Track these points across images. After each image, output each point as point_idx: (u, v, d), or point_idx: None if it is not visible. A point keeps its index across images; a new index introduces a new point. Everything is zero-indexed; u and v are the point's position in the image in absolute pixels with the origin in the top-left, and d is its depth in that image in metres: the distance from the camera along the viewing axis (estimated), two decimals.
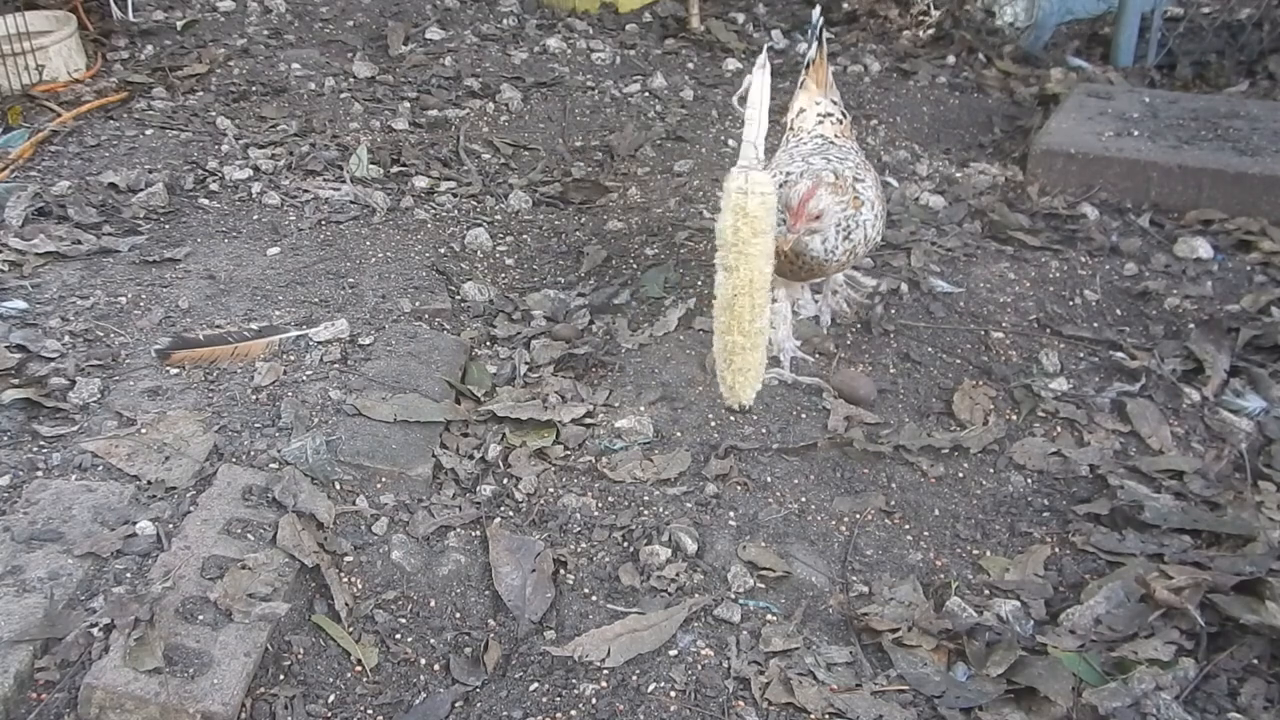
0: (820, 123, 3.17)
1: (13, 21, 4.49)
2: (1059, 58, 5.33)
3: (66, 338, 3.04)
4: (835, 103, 3.25)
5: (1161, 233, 3.83)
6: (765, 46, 3.06)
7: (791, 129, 3.24)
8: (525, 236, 3.79)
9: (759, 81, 2.69)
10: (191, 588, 2.23)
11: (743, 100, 2.75)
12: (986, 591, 2.43)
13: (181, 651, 2.09)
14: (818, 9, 3.34)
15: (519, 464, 2.73)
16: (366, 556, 2.44)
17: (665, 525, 2.55)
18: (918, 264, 3.57)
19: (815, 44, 3.24)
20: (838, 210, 2.78)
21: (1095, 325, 3.34)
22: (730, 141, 4.47)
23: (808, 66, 3.27)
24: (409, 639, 2.30)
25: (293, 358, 3.01)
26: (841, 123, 3.20)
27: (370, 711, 2.15)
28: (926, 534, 2.60)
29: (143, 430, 2.68)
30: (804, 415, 2.93)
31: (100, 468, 2.58)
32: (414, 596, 2.38)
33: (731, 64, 5.19)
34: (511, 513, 2.61)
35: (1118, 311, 3.41)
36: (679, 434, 2.85)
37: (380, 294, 3.34)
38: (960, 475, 2.77)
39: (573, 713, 2.13)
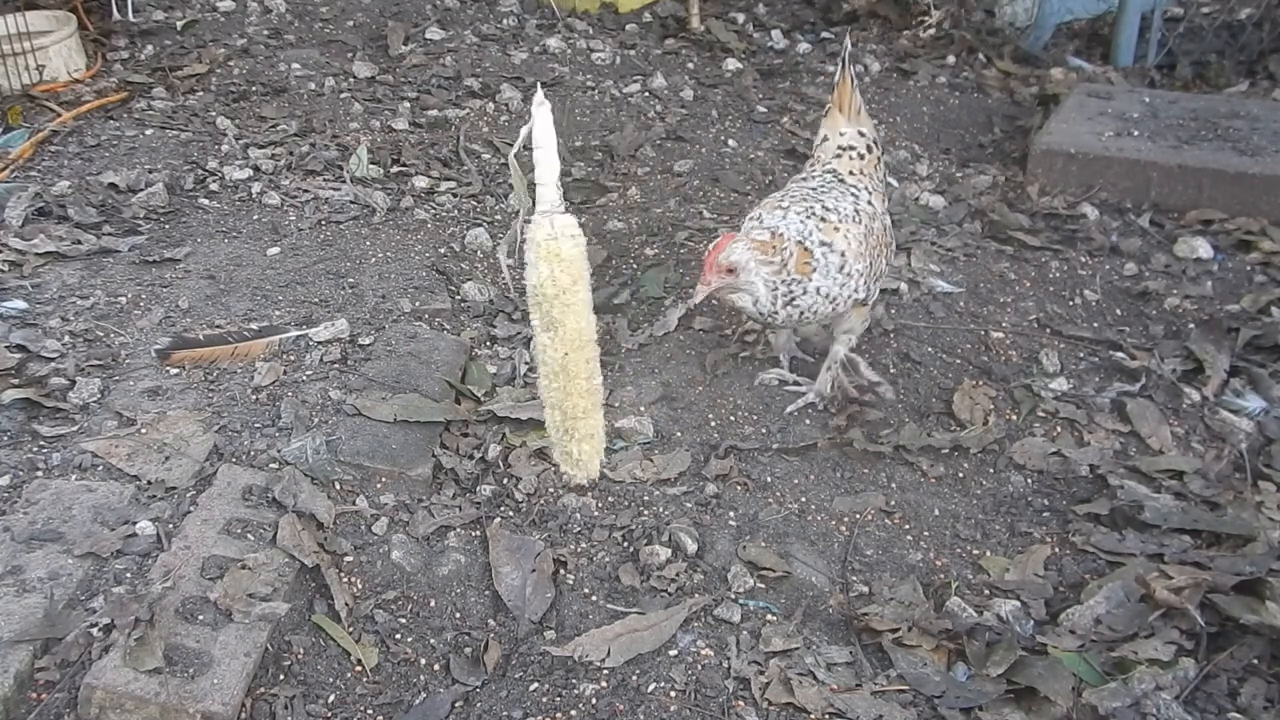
0: (838, 156, 2.96)
1: (13, 21, 4.49)
2: (1059, 58, 5.34)
3: (66, 338, 3.04)
4: (863, 134, 3.00)
5: (1161, 233, 3.83)
6: (537, 84, 2.69)
7: (813, 157, 3.06)
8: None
9: (541, 120, 2.41)
10: (191, 588, 2.23)
11: (525, 148, 2.47)
12: (986, 591, 2.43)
13: (181, 651, 2.09)
14: (848, 37, 3.16)
15: (519, 464, 2.73)
16: (366, 556, 2.44)
17: (665, 525, 2.55)
18: (918, 264, 3.57)
19: (841, 68, 3.00)
20: (763, 270, 2.60)
21: (1095, 325, 3.34)
22: (730, 142, 4.47)
23: (835, 89, 3.06)
24: (409, 639, 2.30)
25: (293, 358, 3.01)
26: (864, 157, 2.96)
27: (370, 711, 2.15)
28: (926, 534, 2.60)
29: (143, 430, 2.68)
30: (804, 415, 2.93)
31: (100, 468, 2.58)
32: (414, 596, 2.38)
33: (731, 64, 5.19)
34: (511, 513, 2.61)
35: (1118, 311, 3.41)
36: (679, 434, 2.85)
37: (380, 294, 3.34)
38: (960, 475, 2.77)
39: (573, 713, 2.13)
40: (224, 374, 2.93)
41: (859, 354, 3.05)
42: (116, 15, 5.24)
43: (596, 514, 2.61)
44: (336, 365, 2.98)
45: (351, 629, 2.28)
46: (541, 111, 2.42)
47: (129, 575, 2.29)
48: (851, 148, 2.97)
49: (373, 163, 4.13)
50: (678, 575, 2.42)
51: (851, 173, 2.92)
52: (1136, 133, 4.18)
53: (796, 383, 3.00)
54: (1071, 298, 3.47)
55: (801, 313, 2.70)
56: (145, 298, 3.27)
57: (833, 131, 3.00)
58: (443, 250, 3.65)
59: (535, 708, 2.15)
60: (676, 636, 2.28)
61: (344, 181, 4.00)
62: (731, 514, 2.61)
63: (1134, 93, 4.65)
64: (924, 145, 4.51)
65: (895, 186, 4.11)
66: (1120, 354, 3.17)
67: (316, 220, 3.76)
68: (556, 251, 2.44)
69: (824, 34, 5.64)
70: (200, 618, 2.17)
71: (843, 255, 2.69)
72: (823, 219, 2.71)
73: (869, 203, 2.84)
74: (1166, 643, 2.23)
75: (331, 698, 2.16)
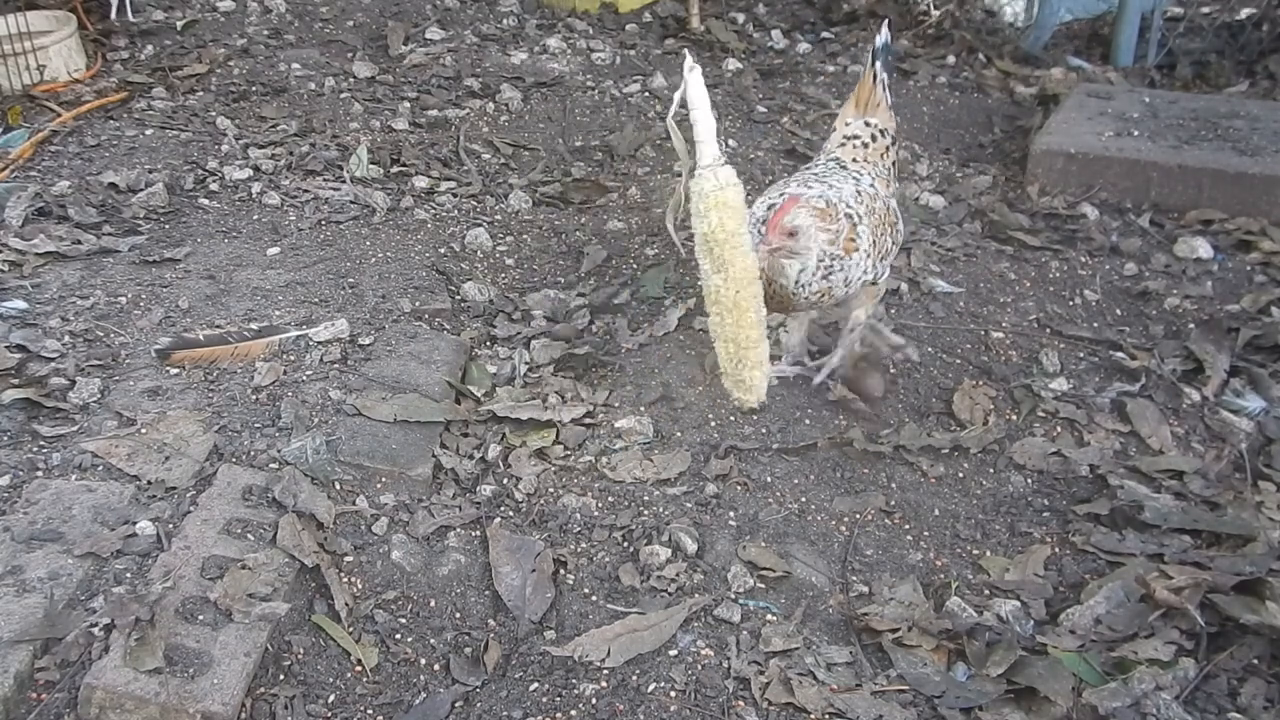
0: (842, 145, 3.04)
1: (13, 21, 4.49)
2: (1059, 58, 5.34)
3: (66, 338, 3.03)
4: (870, 124, 3.05)
5: (1161, 233, 3.83)
6: (686, 51, 2.87)
7: (822, 148, 3.15)
8: (525, 236, 3.79)
9: (694, 83, 2.64)
10: (191, 588, 2.23)
11: (678, 118, 2.68)
12: (986, 591, 2.43)
13: (181, 651, 2.09)
14: (885, 30, 3.15)
15: (519, 464, 2.73)
16: (366, 556, 2.44)
17: (665, 525, 2.55)
18: (918, 264, 3.57)
19: (869, 61, 3.07)
20: (821, 237, 2.66)
21: (1095, 325, 3.34)
22: (730, 142, 4.47)
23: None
24: (409, 639, 2.30)
25: (293, 358, 3.01)
26: (868, 146, 3.02)
27: (370, 711, 2.15)
28: (926, 534, 2.60)
29: (143, 430, 2.68)
30: (804, 416, 2.93)
31: (100, 468, 2.58)
32: (414, 596, 2.38)
33: (731, 64, 5.19)
34: (511, 513, 2.61)
35: (1118, 311, 3.41)
36: (679, 434, 2.85)
37: (380, 294, 3.34)
38: (960, 475, 2.77)
39: (573, 713, 2.13)
40: (224, 374, 2.93)
41: (880, 321, 3.14)
42: (115, 16, 5.24)
43: (596, 514, 2.61)
44: (336, 365, 2.98)
45: (351, 629, 2.28)
46: (694, 75, 2.64)
47: (129, 575, 2.29)
48: (856, 136, 3.03)
49: (373, 163, 4.13)
50: (678, 575, 2.42)
51: (855, 160, 2.98)
52: (1136, 133, 4.18)
53: (811, 358, 3.04)
54: (1071, 298, 3.47)
55: (831, 289, 2.73)
56: (145, 298, 3.27)
57: (840, 123, 3.10)
58: (443, 250, 3.65)
59: (535, 708, 2.15)
60: (676, 636, 2.28)
61: (344, 181, 4.00)
62: (731, 514, 2.61)
63: (1134, 93, 4.65)
64: (924, 145, 4.50)
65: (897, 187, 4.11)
66: (1120, 354, 3.17)
67: (316, 220, 3.76)
68: (724, 200, 2.64)
69: (824, 34, 5.64)
70: (200, 618, 2.17)
71: (867, 231, 2.77)
72: (832, 200, 2.76)
73: (871, 185, 2.89)
74: (1166, 643, 2.23)
75: (331, 698, 2.16)
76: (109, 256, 3.47)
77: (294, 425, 2.73)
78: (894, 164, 3.10)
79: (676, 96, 2.68)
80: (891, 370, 3.09)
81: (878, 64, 3.07)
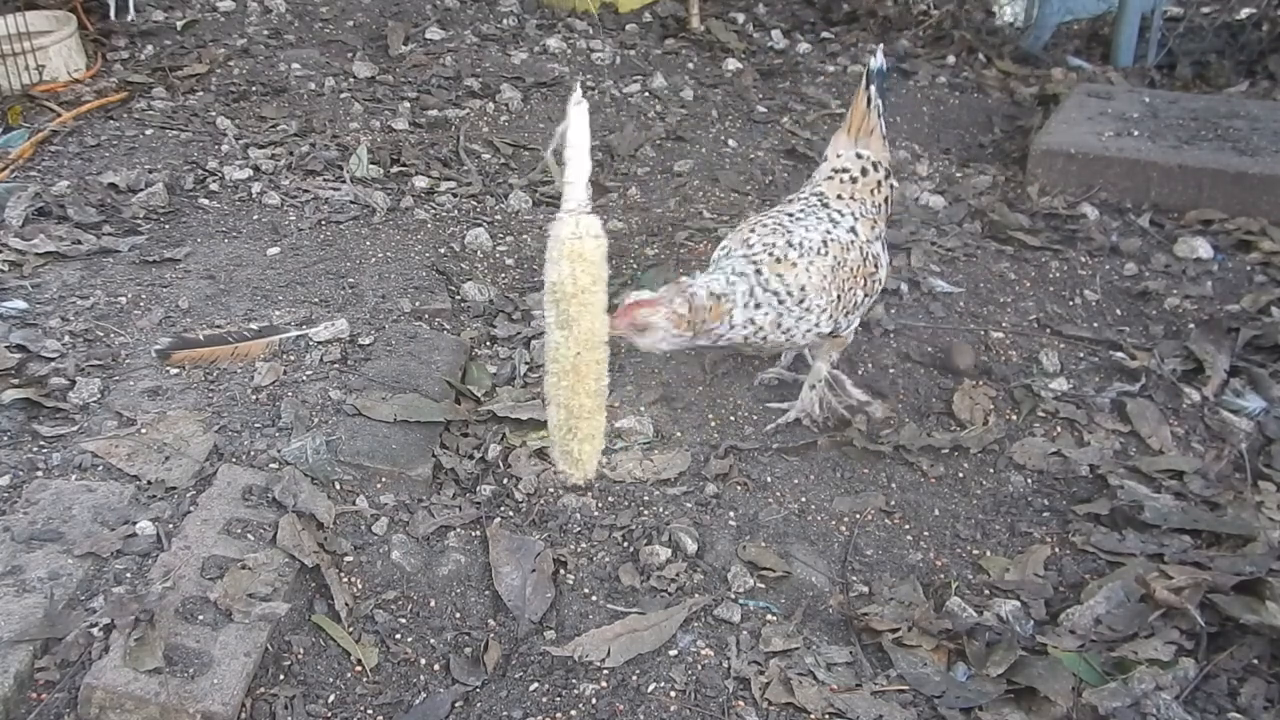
0: (830, 178, 2.88)
1: (13, 21, 4.49)
2: (1059, 58, 5.34)
3: (66, 338, 3.04)
4: (862, 156, 2.89)
5: (1161, 233, 3.83)
6: (578, 84, 2.62)
7: (810, 177, 3.00)
8: (525, 236, 3.79)
9: (576, 119, 2.42)
10: (191, 588, 2.23)
11: (559, 150, 2.45)
12: (986, 591, 2.43)
13: (181, 651, 2.09)
14: (880, 54, 2.99)
15: (519, 464, 2.73)
16: (366, 556, 2.44)
17: (665, 525, 2.55)
18: (918, 264, 3.57)
19: (865, 83, 2.89)
20: (670, 333, 2.55)
21: (1095, 325, 3.34)
22: (730, 142, 4.47)
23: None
24: (409, 639, 2.29)
25: (293, 358, 3.01)
26: (857, 181, 2.85)
27: (370, 711, 2.15)
28: (926, 534, 2.60)
29: (143, 430, 2.68)
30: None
31: (100, 468, 2.58)
32: (414, 596, 2.38)
33: (731, 64, 5.19)
34: (511, 513, 2.61)
35: (1118, 311, 3.41)
36: (679, 434, 2.85)
37: (380, 294, 3.34)
38: (960, 475, 2.77)
39: (573, 713, 2.13)
40: (224, 374, 2.93)
41: (845, 371, 3.01)
42: (113, 17, 5.24)
43: (596, 514, 2.61)
44: (336, 365, 2.98)
45: (351, 629, 2.28)
46: (578, 110, 2.41)
47: (129, 575, 2.29)
48: (845, 170, 2.88)
49: (373, 163, 4.13)
50: (678, 575, 2.42)
51: (840, 196, 2.82)
52: (1136, 133, 4.18)
53: (778, 408, 2.94)
54: (1071, 298, 3.47)
55: (746, 338, 2.62)
56: (145, 298, 3.27)
57: (832, 151, 2.94)
58: (443, 250, 3.65)
59: (535, 708, 2.15)
60: (676, 636, 2.28)
61: (344, 181, 4.00)
62: (731, 514, 2.61)
63: (1134, 93, 4.65)
64: (924, 145, 4.50)
65: (895, 187, 4.11)
66: (1120, 354, 3.17)
67: (316, 220, 3.76)
68: (580, 251, 2.44)
69: (824, 34, 5.64)
70: (200, 618, 2.17)
71: (802, 289, 2.60)
72: (779, 258, 2.62)
73: (850, 230, 2.73)
74: (1166, 643, 2.23)
75: (331, 698, 2.16)
76: (109, 256, 3.47)
77: (294, 425, 2.73)
78: (886, 200, 2.93)
79: (558, 129, 2.45)
80: (891, 370, 3.08)
81: (872, 88, 2.90)
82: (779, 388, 3.01)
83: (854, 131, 2.91)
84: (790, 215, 2.75)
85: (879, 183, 2.90)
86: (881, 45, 3.14)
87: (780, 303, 2.60)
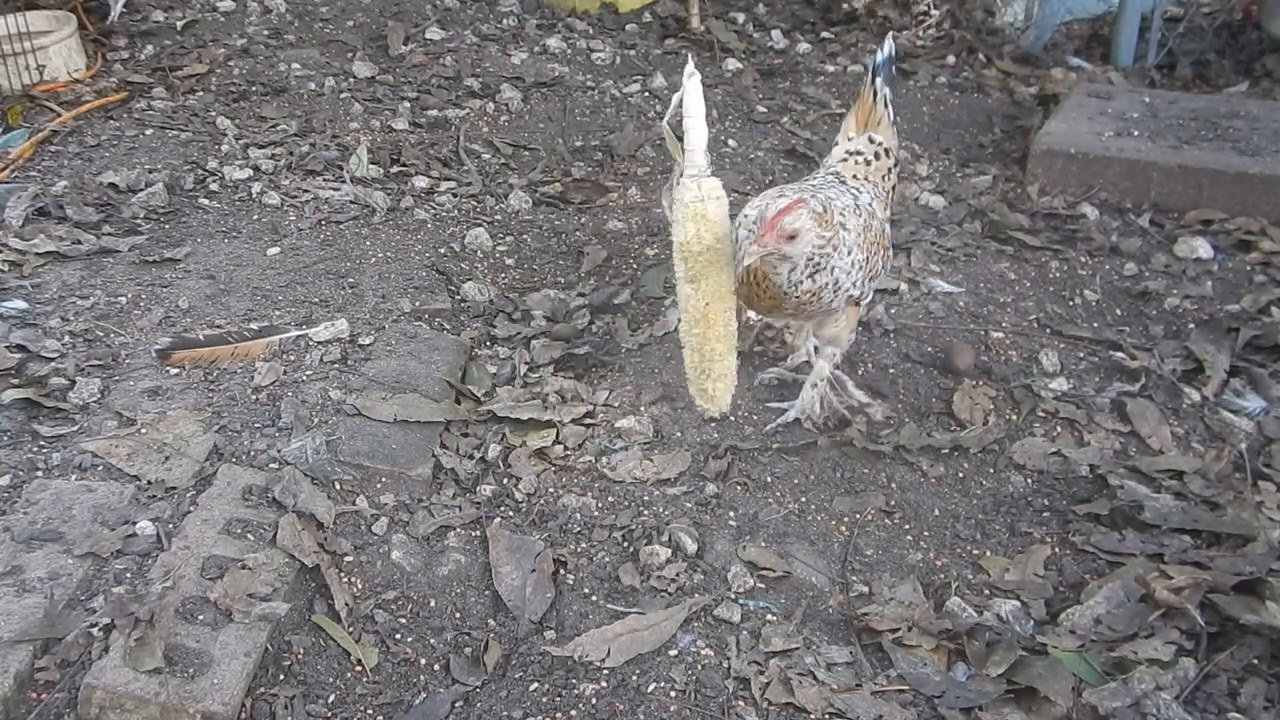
0: (844, 160, 2.91)
1: (13, 21, 4.49)
2: (1059, 58, 5.33)
3: (66, 338, 3.04)
4: (875, 140, 2.92)
5: (1161, 233, 3.83)
6: (690, 57, 2.83)
7: (821, 163, 3.06)
8: (525, 236, 3.79)
9: (692, 90, 2.63)
10: (191, 588, 2.23)
11: (675, 121, 2.67)
12: (986, 591, 2.43)
13: (181, 651, 2.09)
14: (889, 42, 2.99)
15: (519, 464, 2.73)
16: (366, 556, 2.44)
17: (665, 525, 2.55)
18: (918, 264, 3.57)
19: (871, 75, 2.93)
20: (815, 241, 2.52)
21: (1095, 325, 3.34)
22: (730, 142, 4.47)
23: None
24: (409, 639, 2.30)
25: (293, 358, 3.01)
26: (870, 164, 2.89)
27: (370, 711, 2.15)
28: (926, 534, 2.60)
29: (143, 430, 2.68)
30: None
31: (100, 468, 2.58)
32: (414, 596, 2.38)
33: (731, 64, 5.19)
34: (511, 513, 2.61)
35: (1118, 311, 3.41)
36: (679, 434, 2.85)
37: (380, 294, 3.34)
38: (960, 475, 2.77)
39: (573, 713, 2.13)
40: (224, 374, 2.93)
41: (846, 372, 2.99)
42: (113, 17, 5.23)
43: (596, 514, 2.61)
44: (336, 365, 2.98)
45: (351, 629, 2.28)
46: (692, 82, 2.64)
47: (129, 575, 2.29)
48: (859, 153, 2.91)
49: (373, 163, 4.13)
50: (678, 575, 2.42)
51: (855, 176, 2.86)
52: (1136, 133, 4.18)
53: (778, 408, 2.93)
54: (1071, 298, 3.47)
55: (819, 292, 2.60)
56: (145, 298, 3.27)
57: (843, 137, 2.98)
58: (443, 250, 3.65)
59: (535, 708, 2.15)
60: (676, 636, 2.28)
61: (344, 181, 4.00)
62: (731, 514, 2.61)
63: (1134, 93, 4.65)
64: (924, 145, 4.50)
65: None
66: (1120, 354, 3.17)
67: (316, 220, 3.76)
68: (703, 213, 2.63)
69: (824, 34, 5.64)
70: (200, 618, 2.17)
71: (853, 239, 2.64)
72: (822, 210, 2.61)
73: (869, 204, 2.76)
74: (1166, 643, 2.23)
75: (331, 698, 2.16)
76: (109, 256, 3.47)
77: (294, 425, 2.73)
78: (893, 189, 2.97)
79: (674, 99, 2.67)
80: (891, 370, 3.08)
81: (878, 79, 2.93)
82: (779, 387, 3.01)
83: (863, 123, 2.95)
84: (814, 187, 2.75)
85: (889, 169, 2.94)
86: (892, 33, 3.12)
87: (849, 252, 2.61)
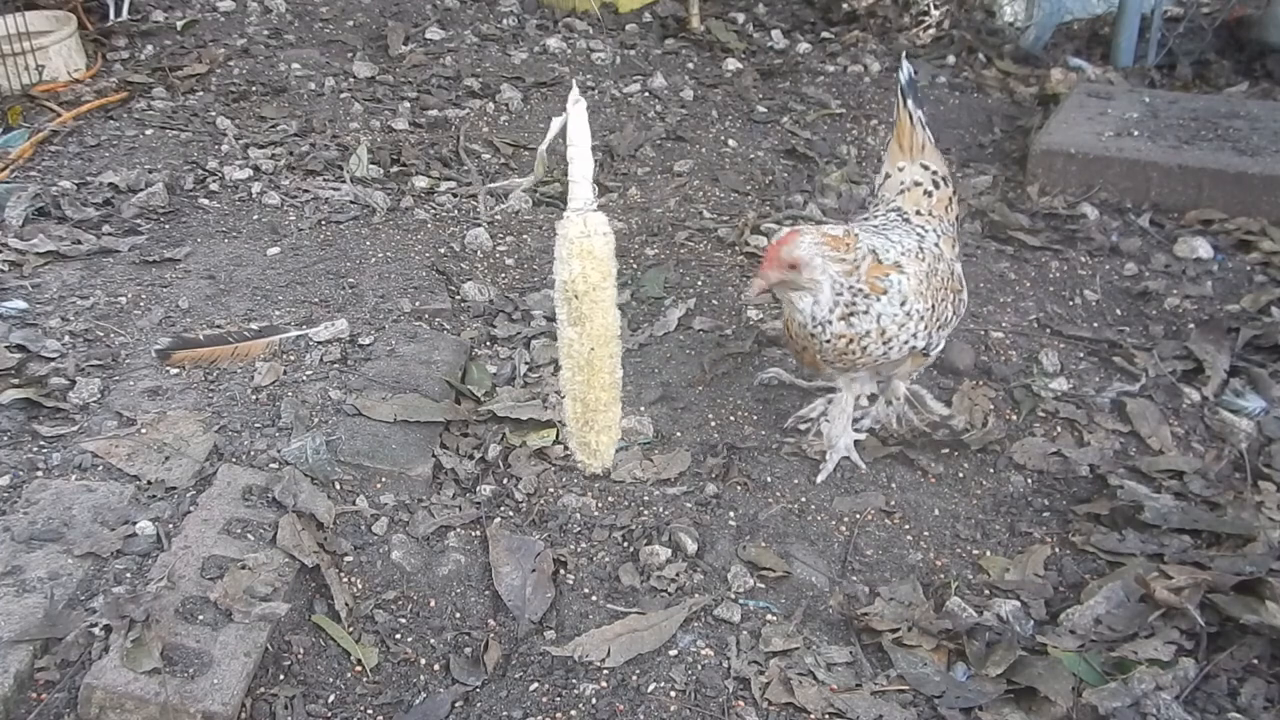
0: (903, 193, 2.72)
1: (13, 21, 4.49)
2: (1059, 58, 5.33)
3: (66, 338, 3.04)
4: (928, 168, 2.75)
5: (1161, 233, 3.83)
6: (574, 82, 2.66)
7: (876, 196, 2.84)
8: (525, 236, 3.79)
9: (576, 117, 2.46)
10: (191, 588, 2.23)
11: (556, 144, 2.51)
12: (986, 591, 2.43)
13: (182, 651, 2.09)
14: (906, 63, 2.83)
15: (519, 464, 2.73)
16: (366, 556, 2.44)
17: (665, 525, 2.55)
18: None
19: (901, 99, 2.77)
20: (827, 267, 2.39)
21: (1095, 325, 3.34)
22: (730, 142, 4.47)
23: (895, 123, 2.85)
24: (409, 639, 2.29)
25: (293, 358, 3.01)
26: (930, 195, 2.71)
27: (370, 711, 2.15)
28: (926, 534, 2.60)
29: (143, 430, 2.68)
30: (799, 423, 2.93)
31: (100, 468, 2.58)
32: (414, 596, 2.38)
33: (731, 64, 5.19)
34: (511, 513, 2.61)
35: (1118, 311, 3.41)
36: (679, 434, 2.85)
37: (380, 294, 3.34)
38: (960, 475, 2.77)
39: (573, 713, 2.13)
40: (224, 374, 2.93)
41: (923, 385, 2.88)
42: (113, 18, 5.23)
43: (596, 514, 2.61)
44: (336, 365, 2.98)
45: (351, 629, 2.28)
46: (577, 109, 2.46)
47: (129, 575, 2.29)
48: (917, 184, 2.72)
49: (373, 163, 4.13)
50: (678, 575, 2.42)
51: (918, 211, 2.67)
52: (1136, 133, 4.18)
53: (782, 394, 2.81)
54: (1071, 298, 3.47)
55: (860, 339, 2.43)
56: (145, 298, 3.27)
57: (893, 167, 2.78)
58: (443, 250, 3.65)
59: (535, 708, 2.15)
60: (676, 636, 2.28)
61: (344, 181, 4.00)
62: (731, 514, 2.61)
63: (1134, 93, 4.65)
64: None
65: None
66: (1120, 354, 3.17)
67: (316, 220, 3.76)
68: (589, 249, 2.48)
69: (824, 34, 5.64)
70: (200, 618, 2.17)
71: (903, 293, 2.45)
72: (881, 259, 2.46)
73: (935, 245, 2.59)
74: (1166, 643, 2.23)
75: (331, 698, 2.16)
76: (109, 256, 3.47)
77: (294, 425, 2.73)
78: (957, 219, 2.79)
79: (554, 124, 2.50)
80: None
81: (909, 101, 2.76)
82: (778, 388, 3.01)
83: (906, 149, 2.77)
84: (875, 226, 2.60)
85: (949, 199, 2.77)
86: (905, 53, 2.96)
87: (901, 305, 2.44)
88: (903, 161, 2.76)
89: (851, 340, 2.44)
